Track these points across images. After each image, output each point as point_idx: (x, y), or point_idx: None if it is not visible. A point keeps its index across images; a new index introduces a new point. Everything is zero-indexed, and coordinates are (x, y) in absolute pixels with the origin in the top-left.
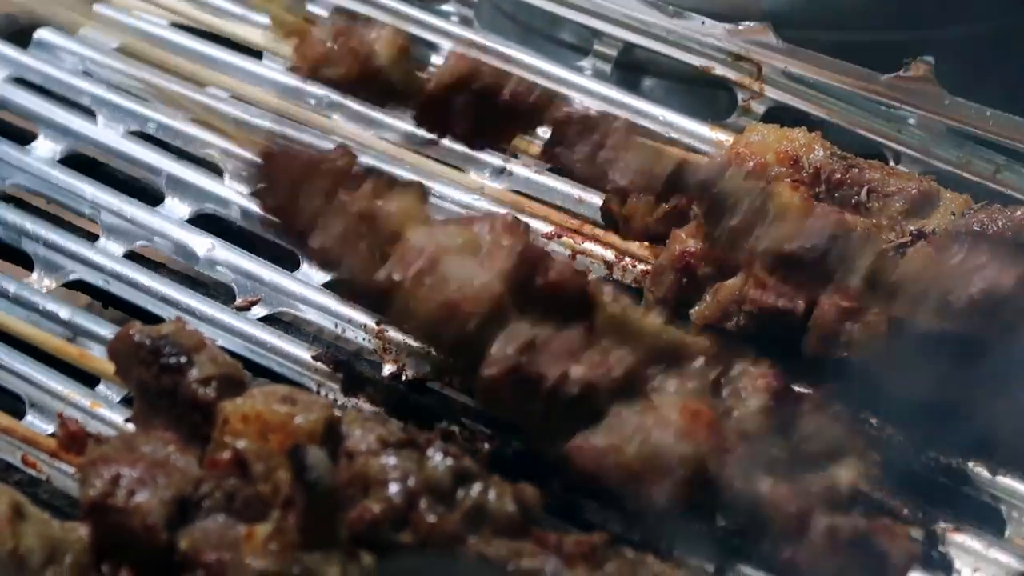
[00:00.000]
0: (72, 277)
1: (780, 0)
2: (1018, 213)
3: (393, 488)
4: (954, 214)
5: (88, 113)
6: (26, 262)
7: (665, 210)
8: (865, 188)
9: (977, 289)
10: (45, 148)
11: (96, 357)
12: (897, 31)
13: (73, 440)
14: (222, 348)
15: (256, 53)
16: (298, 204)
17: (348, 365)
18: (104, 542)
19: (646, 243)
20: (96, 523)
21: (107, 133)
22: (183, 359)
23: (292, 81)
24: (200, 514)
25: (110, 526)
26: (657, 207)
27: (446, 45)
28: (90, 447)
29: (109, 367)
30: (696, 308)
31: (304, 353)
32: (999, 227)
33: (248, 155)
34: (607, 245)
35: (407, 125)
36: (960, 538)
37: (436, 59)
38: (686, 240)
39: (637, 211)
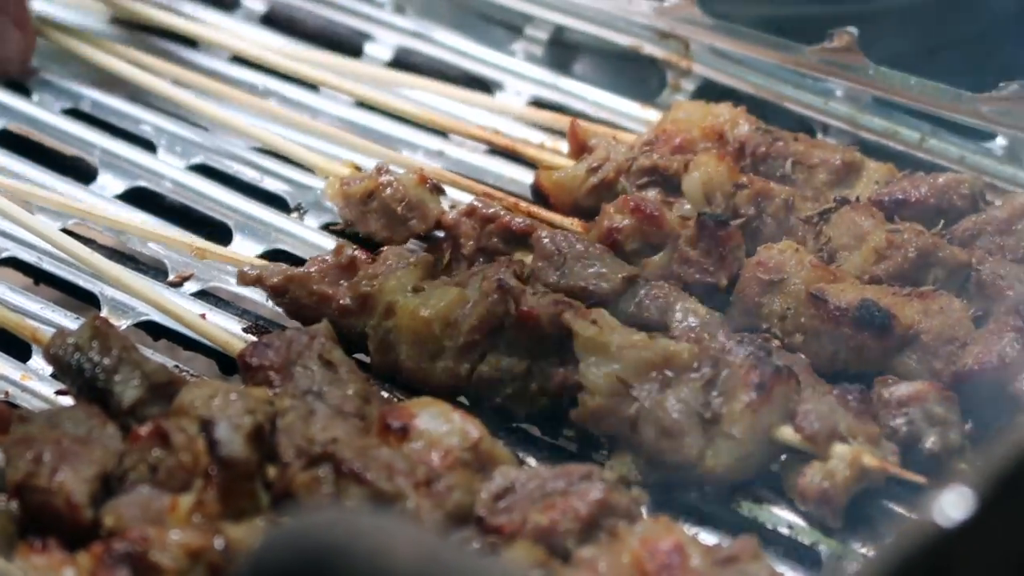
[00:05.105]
0: (5, 255)
1: None
2: (940, 180)
3: None
4: (877, 183)
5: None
6: None
7: (593, 184)
8: (789, 160)
9: None
10: None
11: (31, 326)
12: (822, 5)
13: None
14: (154, 324)
15: (192, 42)
16: None
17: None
18: (31, 518)
19: (576, 219)
20: (23, 502)
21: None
22: (108, 382)
23: (228, 69)
24: (124, 487)
25: (36, 505)
26: (585, 181)
27: (379, 33)
28: (14, 426)
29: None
30: None
31: (235, 326)
32: (921, 194)
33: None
34: (540, 220)
35: (341, 110)
36: None
37: None
38: (614, 215)
39: (566, 186)
